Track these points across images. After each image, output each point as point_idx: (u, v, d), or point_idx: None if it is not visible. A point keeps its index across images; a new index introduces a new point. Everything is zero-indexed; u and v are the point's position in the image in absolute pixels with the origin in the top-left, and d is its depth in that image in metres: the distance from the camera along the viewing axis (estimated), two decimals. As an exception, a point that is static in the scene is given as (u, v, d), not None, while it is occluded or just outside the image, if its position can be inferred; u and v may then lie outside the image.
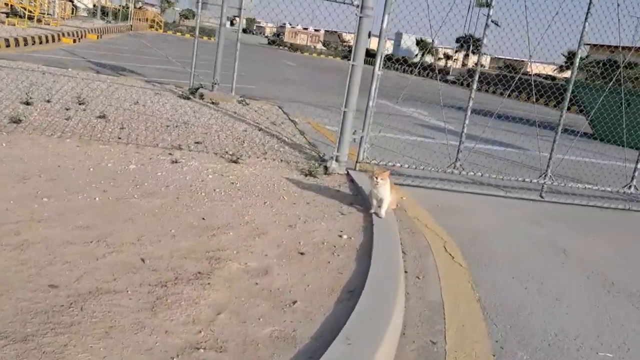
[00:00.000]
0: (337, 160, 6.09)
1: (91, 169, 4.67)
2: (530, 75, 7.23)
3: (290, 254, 3.64)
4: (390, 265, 3.66)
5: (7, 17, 22.38)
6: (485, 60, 46.48)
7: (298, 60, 37.30)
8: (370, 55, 7.01)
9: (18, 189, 3.91)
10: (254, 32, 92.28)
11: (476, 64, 6.62)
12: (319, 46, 70.96)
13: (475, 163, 7.70)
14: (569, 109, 7.02)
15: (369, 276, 3.33)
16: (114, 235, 3.41)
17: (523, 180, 6.81)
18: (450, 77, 37.20)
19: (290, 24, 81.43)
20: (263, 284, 3.14)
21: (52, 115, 6.50)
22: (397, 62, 38.96)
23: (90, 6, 44.71)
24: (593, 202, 6.87)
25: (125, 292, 2.74)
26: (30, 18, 23.16)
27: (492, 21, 6.26)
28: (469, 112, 6.51)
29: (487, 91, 30.44)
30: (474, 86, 6.45)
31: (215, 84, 10.55)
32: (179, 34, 46.57)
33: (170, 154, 5.62)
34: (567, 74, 37.12)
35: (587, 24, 6.27)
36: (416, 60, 46.74)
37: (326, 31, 79.90)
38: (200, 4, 10.54)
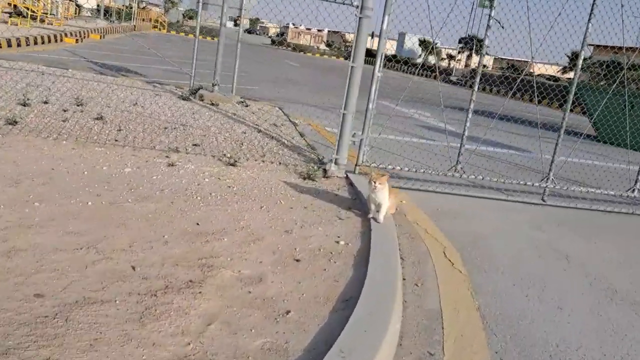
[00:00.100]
0: (336, 163, 6.01)
1: (86, 173, 4.60)
2: (532, 76, 7.13)
3: (286, 261, 3.56)
4: (387, 272, 3.58)
5: (10, 17, 22.37)
6: (488, 61, 46.39)
7: (301, 61, 37.22)
8: (371, 55, 6.93)
9: (9, 193, 3.84)
10: (258, 33, 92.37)
11: (478, 65, 6.53)
12: (322, 46, 70.91)
13: (476, 165, 7.62)
14: (572, 109, 6.92)
15: (365, 284, 3.25)
16: (105, 242, 3.34)
17: (525, 183, 6.71)
18: (453, 78, 37.11)
19: (294, 24, 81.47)
20: (256, 292, 3.06)
21: (49, 116, 6.44)
22: (398, 62, 38.80)
23: (94, 6, 44.73)
24: (596, 206, 6.77)
25: (113, 302, 2.67)
26: (33, 18, 23.15)
27: (497, 20, 6.18)
28: (470, 114, 6.43)
29: (490, 92, 30.34)
30: (475, 88, 6.37)
31: (215, 84, 10.47)
32: (182, 34, 46.55)
33: (167, 156, 5.55)
34: (570, 75, 36.99)
35: (590, 24, 6.18)
36: (419, 60, 46.58)
37: (329, 31, 79.86)
38: (200, 4, 10.47)
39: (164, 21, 50.89)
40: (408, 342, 3.01)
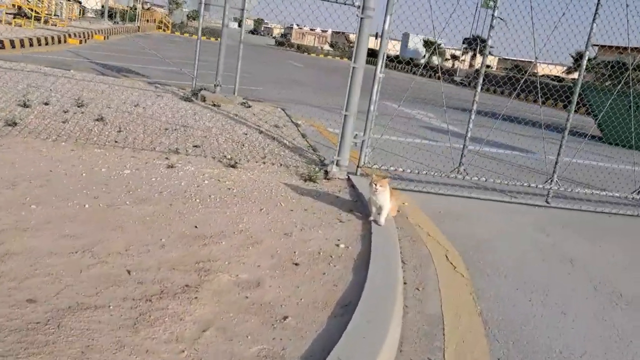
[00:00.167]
0: (337, 165, 5.95)
1: (84, 174, 4.56)
2: (536, 76, 7.05)
3: (284, 265, 3.51)
4: (388, 276, 3.52)
5: (14, 18, 22.42)
6: (492, 62, 46.21)
7: (305, 61, 37.18)
8: (374, 56, 6.86)
9: (6, 195, 3.81)
10: (262, 33, 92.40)
11: (481, 65, 6.47)
12: (326, 47, 70.85)
13: (479, 167, 7.55)
14: (576, 110, 6.84)
15: (365, 289, 3.19)
16: (101, 245, 3.30)
17: (529, 185, 6.64)
18: (457, 78, 36.98)
19: (298, 25, 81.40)
20: (253, 297, 3.01)
21: (49, 118, 6.41)
22: (400, 63, 38.70)
23: (99, 7, 44.81)
24: (601, 208, 6.69)
25: (106, 308, 2.62)
26: (38, 19, 23.19)
27: (500, 18, 6.13)
28: (473, 115, 6.36)
29: (494, 92, 30.19)
30: (478, 88, 6.31)
31: (218, 85, 10.43)
32: (186, 35, 46.58)
33: (166, 158, 5.50)
34: (575, 75, 36.78)
35: (594, 24, 6.11)
36: (422, 61, 46.47)
37: (333, 32, 79.81)
38: (202, 5, 10.45)
39: (168, 22, 50.93)
40: (408, 348, 2.95)
